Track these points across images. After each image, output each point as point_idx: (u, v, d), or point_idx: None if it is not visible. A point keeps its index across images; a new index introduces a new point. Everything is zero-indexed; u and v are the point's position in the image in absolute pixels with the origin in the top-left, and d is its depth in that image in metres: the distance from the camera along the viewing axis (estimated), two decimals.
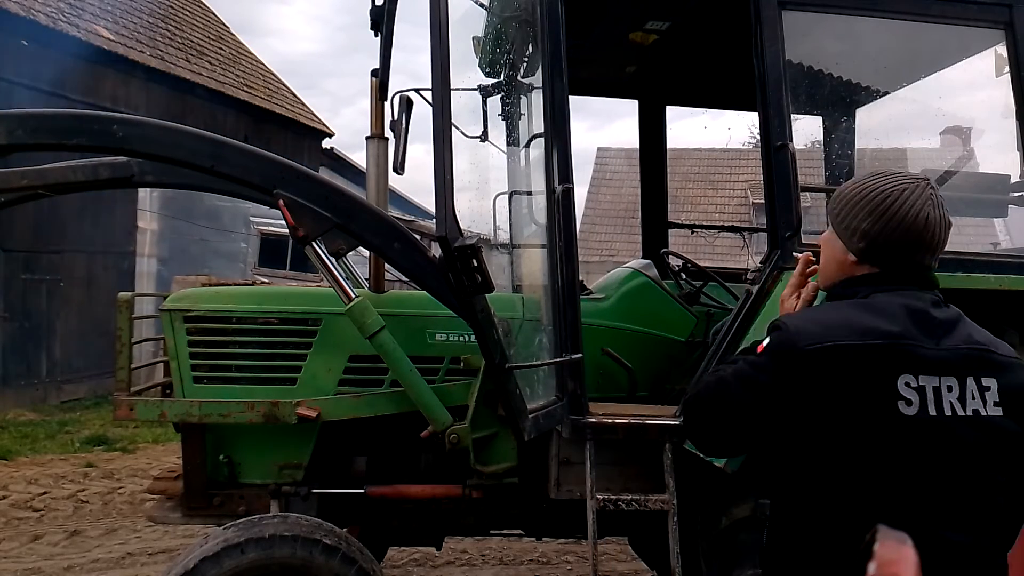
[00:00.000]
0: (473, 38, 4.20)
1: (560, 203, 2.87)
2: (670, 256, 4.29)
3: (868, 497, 1.46)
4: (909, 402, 1.47)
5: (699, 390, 1.67)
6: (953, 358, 1.52)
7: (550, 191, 2.95)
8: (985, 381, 1.52)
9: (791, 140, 2.95)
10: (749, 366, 1.59)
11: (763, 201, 3.08)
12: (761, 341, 1.60)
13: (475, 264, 2.28)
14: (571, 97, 2.99)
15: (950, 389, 1.50)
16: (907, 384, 1.48)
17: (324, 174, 10.35)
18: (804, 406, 1.49)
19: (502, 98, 4.25)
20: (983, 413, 1.51)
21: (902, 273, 1.61)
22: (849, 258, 1.64)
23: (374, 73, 3.55)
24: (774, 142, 2.96)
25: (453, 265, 2.29)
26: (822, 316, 1.60)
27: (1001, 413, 1.52)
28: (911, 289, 1.60)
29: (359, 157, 17.91)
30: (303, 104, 17.19)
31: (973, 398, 1.51)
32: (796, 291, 1.86)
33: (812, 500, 1.53)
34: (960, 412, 1.49)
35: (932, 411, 1.47)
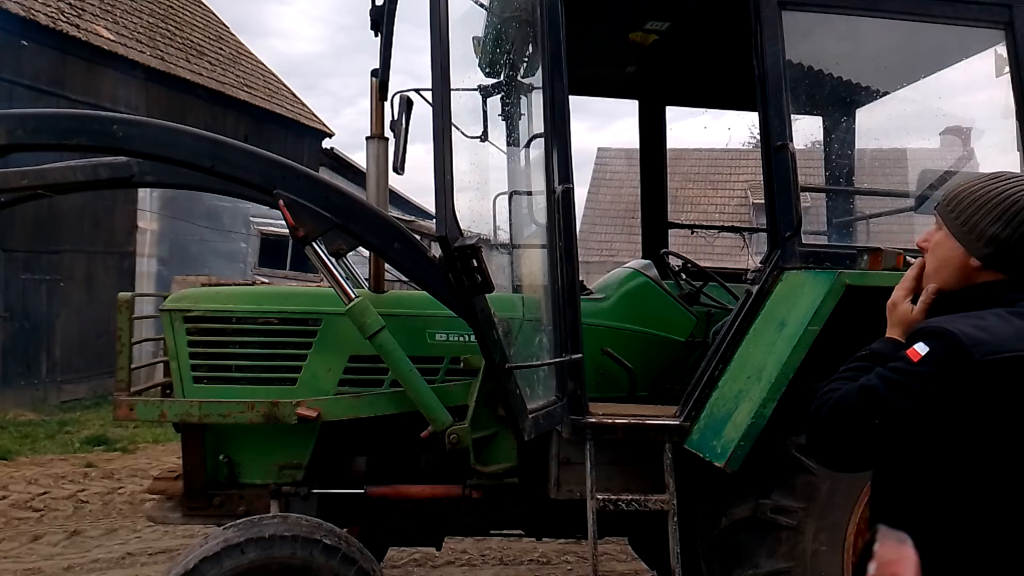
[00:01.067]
0: (473, 38, 4.20)
1: (560, 203, 2.87)
2: (670, 256, 4.29)
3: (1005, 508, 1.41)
4: None
5: (839, 400, 1.53)
6: None
7: (550, 191, 2.95)
8: None
9: (791, 140, 2.95)
10: (904, 376, 1.45)
11: (763, 201, 3.08)
12: (909, 347, 1.48)
13: (475, 264, 2.28)
14: (571, 97, 2.99)
15: None
16: None
17: (324, 174, 10.36)
18: (975, 419, 1.40)
19: (502, 98, 4.25)
20: None
21: None
22: (972, 263, 1.59)
23: (374, 73, 3.55)
24: (774, 142, 2.96)
25: (453, 265, 2.29)
26: (987, 324, 1.46)
27: None
28: None
29: (359, 157, 17.92)
30: (303, 104, 17.20)
31: None
32: (910, 294, 1.74)
33: (980, 515, 1.43)
34: None
35: None
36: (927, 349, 1.44)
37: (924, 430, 1.43)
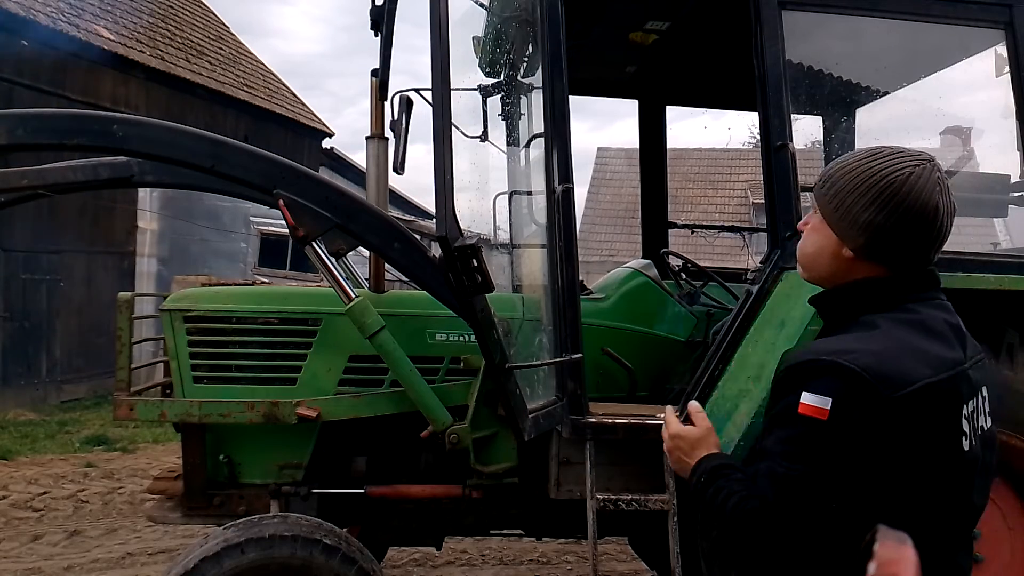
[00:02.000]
0: (473, 38, 4.20)
1: (560, 203, 2.87)
2: (670, 256, 4.29)
3: (921, 533, 1.26)
4: (966, 436, 1.30)
5: (754, 513, 1.26)
6: (976, 374, 1.37)
7: (550, 191, 2.94)
8: (984, 391, 1.40)
9: (791, 140, 2.95)
10: (821, 439, 1.21)
11: (763, 201, 3.08)
12: (796, 395, 1.25)
13: (475, 264, 2.28)
14: (571, 97, 2.99)
15: (976, 409, 1.35)
16: (964, 417, 1.30)
17: (324, 174, 10.36)
18: (887, 458, 1.24)
19: (502, 98, 4.25)
20: (987, 427, 1.39)
21: (917, 275, 1.39)
22: (845, 253, 1.39)
23: (374, 73, 3.55)
24: (774, 142, 2.96)
25: (453, 265, 2.29)
26: (879, 346, 1.27)
27: (991, 422, 1.41)
28: (938, 295, 1.41)
29: (360, 157, 17.92)
30: (303, 104, 17.20)
31: (982, 413, 1.38)
32: (673, 421, 1.57)
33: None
34: (981, 433, 1.35)
35: (975, 441, 1.32)
36: (830, 400, 1.21)
37: (859, 481, 1.24)
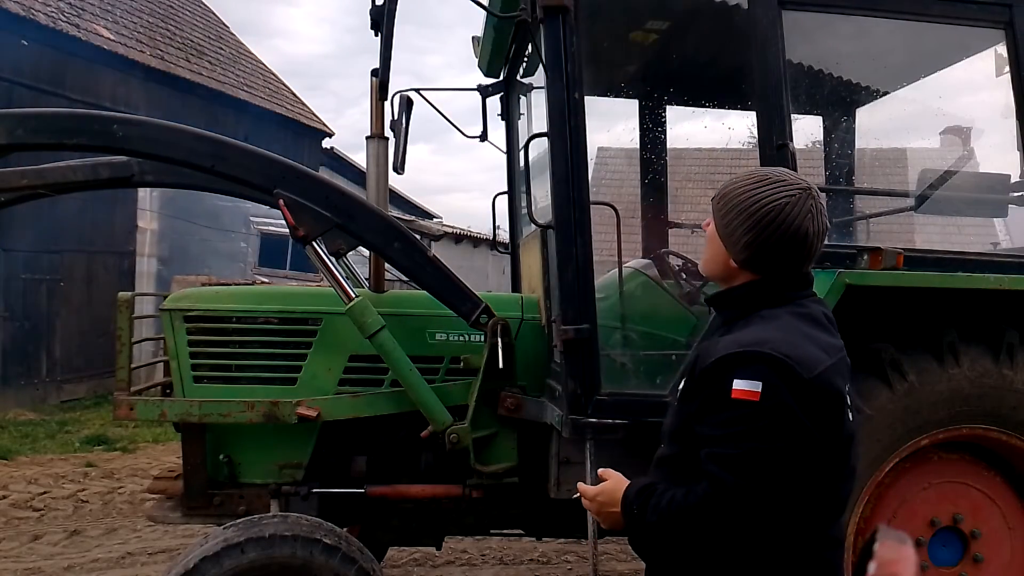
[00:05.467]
0: (473, 38, 4.20)
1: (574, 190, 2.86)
2: (670, 256, 4.29)
3: (820, 511, 1.46)
4: (849, 409, 1.48)
5: (710, 498, 1.37)
6: (847, 361, 1.56)
7: (555, 178, 2.94)
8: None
9: (791, 140, 2.95)
10: (762, 420, 1.35)
11: None
12: (725, 384, 1.38)
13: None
14: None
15: (849, 386, 1.52)
16: (846, 393, 1.48)
17: (324, 174, 10.36)
18: (801, 433, 1.38)
19: (502, 98, 4.25)
20: (853, 399, 1.55)
21: (798, 277, 1.59)
22: (731, 263, 1.59)
23: (374, 73, 3.55)
24: (774, 142, 2.96)
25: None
26: (788, 336, 1.44)
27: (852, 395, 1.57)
28: (812, 291, 1.61)
29: (362, 157, 17.92)
30: (303, 104, 17.20)
31: (851, 389, 1.55)
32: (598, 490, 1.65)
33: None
34: (852, 404, 1.52)
35: (853, 413, 1.51)
36: (760, 383, 1.35)
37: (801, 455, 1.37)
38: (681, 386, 1.58)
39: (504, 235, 5.03)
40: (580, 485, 1.69)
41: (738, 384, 1.36)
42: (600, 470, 1.70)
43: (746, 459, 1.34)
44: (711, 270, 1.67)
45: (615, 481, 1.62)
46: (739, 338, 1.46)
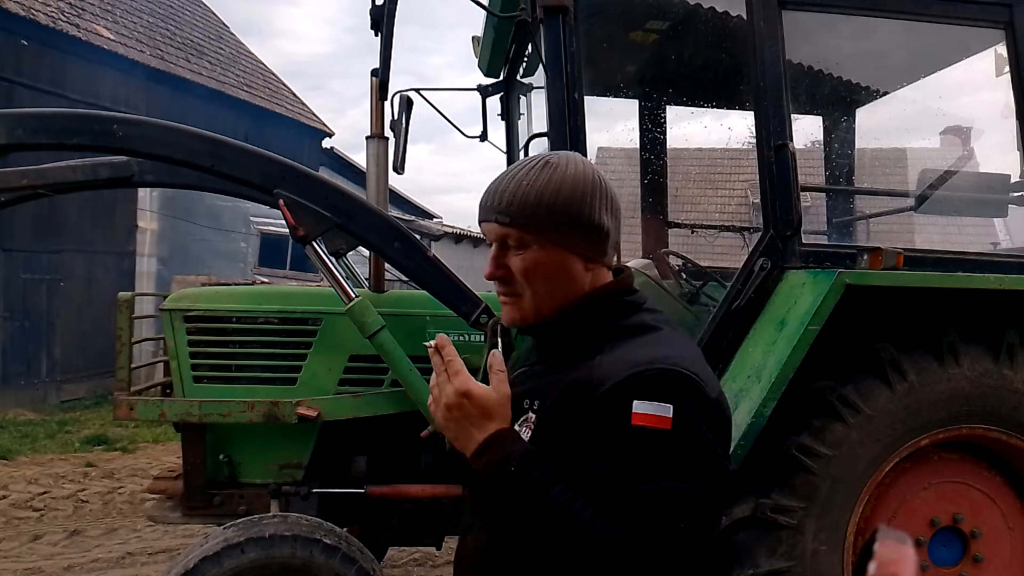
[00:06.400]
0: (473, 38, 4.20)
1: None
2: (670, 256, 4.29)
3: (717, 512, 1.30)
4: None
5: (627, 537, 1.13)
6: None
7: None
8: None
9: (791, 140, 2.95)
10: (667, 450, 1.15)
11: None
12: (626, 415, 1.16)
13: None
14: None
15: None
16: None
17: (324, 174, 10.35)
18: (715, 455, 1.23)
19: (502, 98, 4.25)
20: None
21: (624, 272, 1.42)
22: (581, 266, 1.34)
23: (374, 72, 3.55)
24: (773, 142, 2.96)
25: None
26: (684, 350, 1.27)
27: None
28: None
29: (362, 157, 17.92)
30: (303, 104, 17.20)
31: None
32: (460, 373, 1.31)
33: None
34: None
35: None
36: (670, 407, 1.16)
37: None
38: (543, 423, 1.30)
39: None
40: (441, 336, 1.35)
41: (644, 409, 1.16)
42: (492, 354, 1.36)
43: (663, 498, 1.13)
44: (559, 295, 1.34)
45: (498, 397, 1.30)
46: (635, 356, 1.22)
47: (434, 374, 1.33)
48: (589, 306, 1.34)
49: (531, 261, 1.33)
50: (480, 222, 1.39)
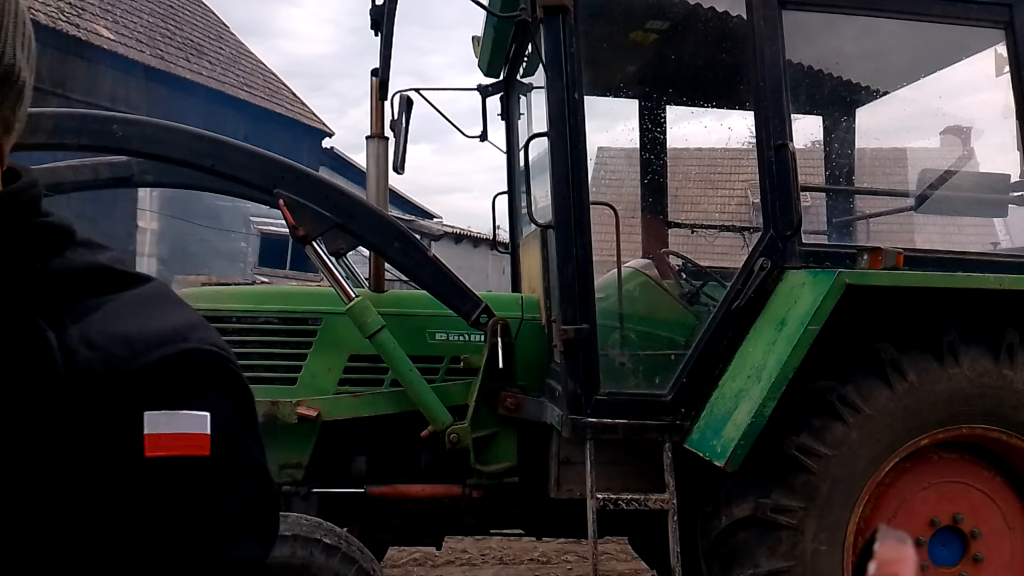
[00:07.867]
0: (473, 38, 4.20)
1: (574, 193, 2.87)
2: (670, 256, 4.29)
3: None
4: None
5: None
6: None
7: (555, 186, 2.95)
8: None
9: (791, 140, 2.95)
10: (199, 494, 0.64)
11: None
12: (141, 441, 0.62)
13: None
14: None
15: None
16: None
17: (324, 174, 10.35)
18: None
19: (502, 98, 4.25)
20: None
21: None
22: None
23: (374, 72, 3.55)
24: (773, 142, 2.96)
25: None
26: (193, 317, 0.75)
27: None
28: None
29: (362, 157, 17.92)
30: (303, 104, 17.20)
31: None
32: None
33: None
34: None
35: None
36: (207, 416, 0.66)
37: None
38: None
39: (504, 235, 5.03)
40: None
41: (163, 426, 0.63)
42: None
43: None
44: None
45: None
46: (115, 330, 0.66)
47: None
48: None
49: None
50: None
